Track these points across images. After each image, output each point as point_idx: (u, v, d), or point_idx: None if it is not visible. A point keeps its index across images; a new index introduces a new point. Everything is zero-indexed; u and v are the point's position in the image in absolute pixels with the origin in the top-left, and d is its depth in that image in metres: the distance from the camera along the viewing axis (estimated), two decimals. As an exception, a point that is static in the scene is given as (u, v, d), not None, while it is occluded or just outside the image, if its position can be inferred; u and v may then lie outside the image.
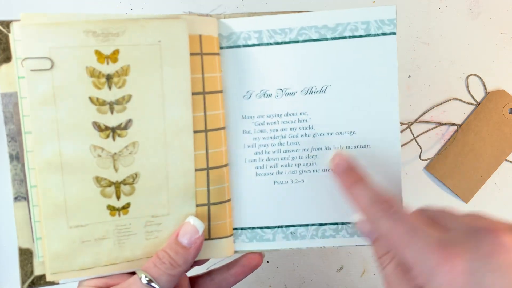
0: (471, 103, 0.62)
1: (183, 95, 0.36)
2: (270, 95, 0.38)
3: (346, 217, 0.40)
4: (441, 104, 0.63)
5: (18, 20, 0.33)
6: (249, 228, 0.40)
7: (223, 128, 0.38)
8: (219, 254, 0.39)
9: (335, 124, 0.39)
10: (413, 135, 0.61)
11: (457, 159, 0.62)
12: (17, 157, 0.35)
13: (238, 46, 0.38)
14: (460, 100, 0.62)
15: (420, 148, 0.61)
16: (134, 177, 0.36)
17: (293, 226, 0.40)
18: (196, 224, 0.37)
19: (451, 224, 0.30)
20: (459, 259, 0.27)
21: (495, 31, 0.63)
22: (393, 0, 0.62)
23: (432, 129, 0.63)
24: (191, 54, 0.35)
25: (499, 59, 0.63)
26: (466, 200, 0.61)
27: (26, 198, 0.36)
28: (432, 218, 0.31)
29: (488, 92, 0.62)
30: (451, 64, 0.63)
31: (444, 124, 0.63)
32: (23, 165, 0.35)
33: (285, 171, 0.39)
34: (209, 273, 0.42)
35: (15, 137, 0.35)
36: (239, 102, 0.38)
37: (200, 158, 0.37)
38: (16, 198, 0.36)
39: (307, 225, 0.40)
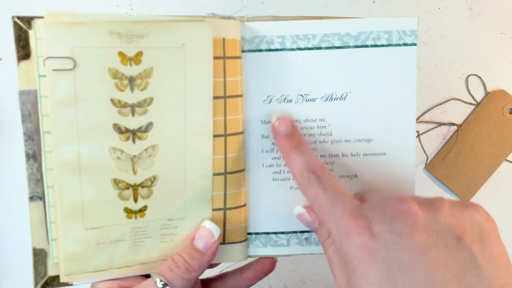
0: (471, 103, 0.63)
1: (205, 99, 0.35)
2: (291, 101, 0.38)
3: None
4: (441, 104, 0.64)
5: (41, 18, 0.33)
6: (263, 233, 0.40)
7: (242, 132, 0.38)
8: (233, 259, 0.39)
9: (353, 132, 0.39)
10: (420, 143, 0.61)
11: (457, 159, 0.63)
12: (33, 156, 0.35)
13: (260, 50, 0.37)
14: (460, 100, 0.63)
15: (427, 156, 0.62)
16: (152, 180, 0.36)
17: (308, 231, 0.40)
18: (211, 229, 0.37)
19: (370, 197, 0.33)
20: (367, 224, 0.30)
21: (495, 31, 0.64)
22: (394, 0, 0.63)
23: (432, 129, 0.64)
24: (214, 57, 0.35)
25: (499, 59, 0.64)
26: (466, 200, 0.62)
27: (42, 198, 0.35)
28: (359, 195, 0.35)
29: (488, 92, 0.63)
30: (451, 64, 0.64)
31: (444, 124, 0.64)
32: (40, 164, 0.35)
33: None
34: (221, 276, 0.42)
35: (32, 136, 0.35)
36: (259, 106, 0.38)
37: (219, 162, 0.37)
38: (31, 198, 0.35)
39: None
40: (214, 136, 0.36)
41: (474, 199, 0.63)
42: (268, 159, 0.39)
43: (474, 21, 0.64)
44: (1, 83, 0.63)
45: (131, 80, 0.34)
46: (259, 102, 0.38)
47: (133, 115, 0.34)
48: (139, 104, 0.34)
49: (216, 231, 0.37)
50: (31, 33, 0.33)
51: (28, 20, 0.33)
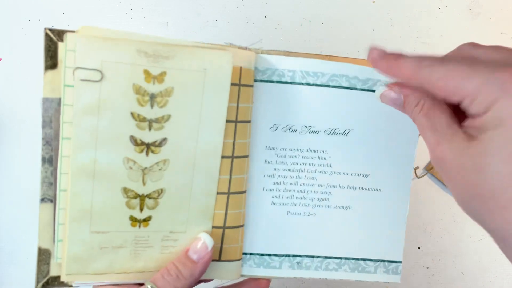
0: None
1: (218, 122, 0.39)
2: (295, 131, 0.42)
3: (350, 253, 0.44)
4: None
5: (72, 31, 0.36)
6: (258, 254, 0.43)
7: (247, 156, 0.41)
8: (227, 277, 0.42)
9: (352, 166, 0.43)
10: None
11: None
12: (49, 161, 0.38)
13: (272, 82, 0.41)
14: None
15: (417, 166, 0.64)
16: (160, 192, 0.39)
17: (300, 256, 0.44)
18: (206, 241, 0.40)
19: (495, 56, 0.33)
20: None
21: (495, 31, 0.66)
22: (393, 1, 0.67)
23: None
24: (231, 84, 0.39)
25: None
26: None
27: (52, 200, 0.38)
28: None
29: None
30: None
31: None
32: (55, 169, 0.38)
33: (299, 203, 0.43)
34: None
35: (50, 141, 0.38)
36: (265, 133, 0.42)
37: (223, 182, 0.40)
38: (42, 200, 0.39)
39: (313, 256, 0.44)
40: (222, 157, 0.40)
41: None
42: (269, 183, 0.43)
43: (474, 21, 0.66)
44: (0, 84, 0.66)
45: (152, 97, 0.37)
46: (265, 129, 0.42)
47: (149, 129, 0.38)
48: (157, 120, 0.38)
49: (210, 243, 0.40)
50: (60, 45, 0.37)
51: (59, 33, 0.37)
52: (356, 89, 0.42)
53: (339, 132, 0.42)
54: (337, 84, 0.42)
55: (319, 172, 0.43)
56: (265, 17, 0.68)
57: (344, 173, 0.43)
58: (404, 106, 0.37)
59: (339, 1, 0.67)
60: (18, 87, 0.66)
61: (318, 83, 0.42)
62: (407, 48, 0.66)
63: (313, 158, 0.43)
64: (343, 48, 0.68)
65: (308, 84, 0.42)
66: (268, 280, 0.44)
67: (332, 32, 0.68)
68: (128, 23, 0.68)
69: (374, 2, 0.67)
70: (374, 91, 0.42)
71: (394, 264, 0.44)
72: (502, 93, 0.29)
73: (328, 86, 0.42)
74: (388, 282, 0.44)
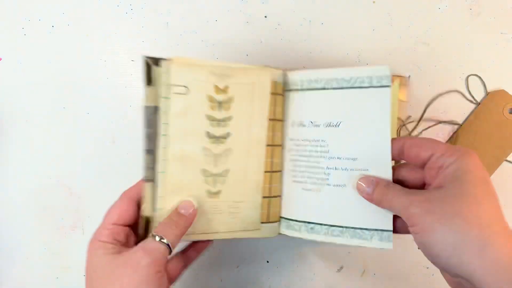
0: (471, 101, 0.67)
1: (263, 120, 0.56)
2: (304, 125, 0.57)
3: (349, 223, 0.53)
4: (441, 95, 0.67)
5: (165, 59, 0.52)
6: (286, 219, 0.58)
7: (281, 145, 0.58)
8: (271, 234, 0.58)
9: (343, 151, 0.54)
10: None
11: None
12: (150, 152, 0.53)
13: (290, 90, 0.58)
14: (461, 93, 0.67)
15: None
16: (227, 172, 0.55)
17: (313, 223, 0.55)
18: (192, 201, 0.53)
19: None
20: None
21: (495, 31, 0.67)
22: (393, 1, 0.69)
23: (432, 126, 0.68)
24: (270, 93, 0.56)
25: (499, 59, 0.67)
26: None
27: (152, 180, 0.53)
28: None
29: (488, 92, 0.66)
30: (451, 64, 0.67)
31: (445, 122, 0.67)
32: (154, 157, 0.53)
33: (309, 182, 0.56)
34: (183, 251, 0.60)
35: (151, 137, 0.52)
36: (287, 128, 0.59)
37: (268, 164, 0.57)
38: (146, 180, 0.52)
39: (321, 224, 0.54)
40: (266, 145, 0.57)
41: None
42: (291, 166, 0.58)
43: (474, 21, 0.67)
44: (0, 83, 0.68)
45: (220, 103, 0.54)
46: (288, 125, 0.59)
47: (218, 126, 0.54)
48: (223, 120, 0.54)
49: (195, 203, 0.53)
50: (154, 68, 0.52)
51: (153, 60, 0.52)
52: (343, 88, 0.53)
53: (333, 124, 0.54)
54: (330, 86, 0.54)
55: (321, 157, 0.55)
56: (265, 17, 0.70)
57: (338, 158, 0.53)
58: (373, 192, 0.50)
59: (339, 1, 0.69)
60: (18, 87, 0.68)
61: (318, 87, 0.55)
62: (407, 48, 0.68)
63: (316, 146, 0.55)
64: (343, 48, 0.69)
65: (312, 89, 0.57)
66: (209, 241, 0.59)
67: (332, 32, 0.69)
68: (128, 23, 0.70)
69: (374, 2, 0.69)
70: (355, 87, 0.52)
71: (386, 233, 0.50)
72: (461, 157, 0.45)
73: (325, 88, 0.55)
74: (382, 248, 0.50)
